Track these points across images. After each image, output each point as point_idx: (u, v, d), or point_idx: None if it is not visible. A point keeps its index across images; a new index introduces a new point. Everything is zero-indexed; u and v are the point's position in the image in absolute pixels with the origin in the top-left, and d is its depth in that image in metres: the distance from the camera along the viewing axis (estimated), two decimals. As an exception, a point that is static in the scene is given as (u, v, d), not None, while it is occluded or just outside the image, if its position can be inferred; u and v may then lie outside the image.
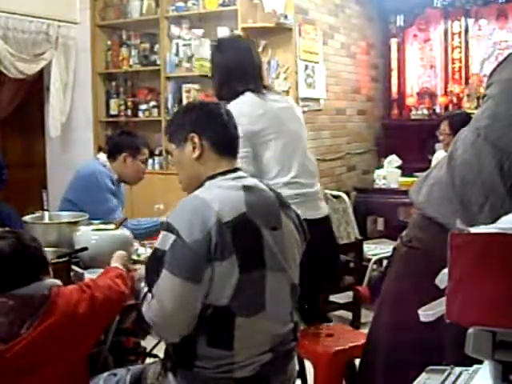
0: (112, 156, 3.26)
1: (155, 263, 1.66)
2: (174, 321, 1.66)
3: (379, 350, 1.81)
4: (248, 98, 2.58)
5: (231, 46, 2.76)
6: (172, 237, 1.62)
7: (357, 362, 2.46)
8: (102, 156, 3.32)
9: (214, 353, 1.66)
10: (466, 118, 3.99)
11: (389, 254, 3.99)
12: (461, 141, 1.69)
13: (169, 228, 1.64)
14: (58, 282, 1.78)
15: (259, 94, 2.61)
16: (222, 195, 1.70)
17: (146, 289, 1.76)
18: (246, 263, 1.64)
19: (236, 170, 1.83)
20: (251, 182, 1.81)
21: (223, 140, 1.83)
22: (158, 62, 5.20)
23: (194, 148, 1.80)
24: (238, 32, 4.70)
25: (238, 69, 2.62)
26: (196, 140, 1.79)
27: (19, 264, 1.69)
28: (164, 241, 1.65)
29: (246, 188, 1.75)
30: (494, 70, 1.75)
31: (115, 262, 2.05)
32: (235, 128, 1.87)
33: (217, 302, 1.63)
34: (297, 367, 1.93)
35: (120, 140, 3.34)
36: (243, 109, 2.51)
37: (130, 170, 3.26)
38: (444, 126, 4.31)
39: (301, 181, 2.62)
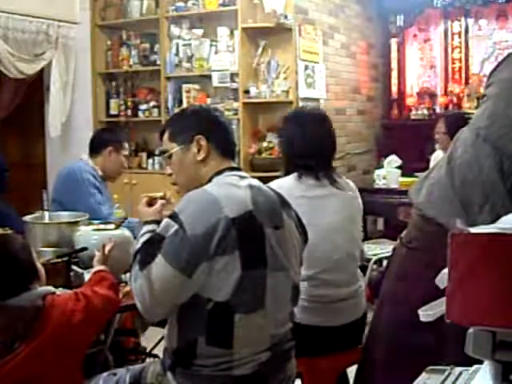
0: (96, 151, 3.37)
1: (152, 246, 1.68)
2: (156, 303, 1.67)
3: (379, 351, 1.81)
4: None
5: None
6: (175, 226, 1.64)
7: (349, 370, 2.43)
8: (85, 156, 3.43)
9: (212, 351, 1.66)
10: (461, 119, 3.97)
11: (389, 254, 3.97)
12: (460, 141, 1.69)
13: (173, 217, 1.66)
14: (51, 289, 1.75)
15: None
16: (230, 192, 1.72)
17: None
18: (249, 261, 1.65)
19: (239, 169, 1.88)
20: (255, 181, 1.84)
21: (227, 144, 1.89)
22: (158, 62, 5.20)
23: (198, 150, 1.82)
24: (238, 32, 4.71)
25: None
26: (202, 142, 1.82)
27: (5, 273, 1.63)
28: (166, 228, 1.66)
29: (252, 187, 1.78)
30: (494, 69, 1.74)
31: (98, 264, 2.01)
32: (233, 135, 1.97)
33: (217, 297, 1.64)
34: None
35: (104, 135, 3.50)
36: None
37: (113, 164, 3.38)
38: (440, 124, 4.30)
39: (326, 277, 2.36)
